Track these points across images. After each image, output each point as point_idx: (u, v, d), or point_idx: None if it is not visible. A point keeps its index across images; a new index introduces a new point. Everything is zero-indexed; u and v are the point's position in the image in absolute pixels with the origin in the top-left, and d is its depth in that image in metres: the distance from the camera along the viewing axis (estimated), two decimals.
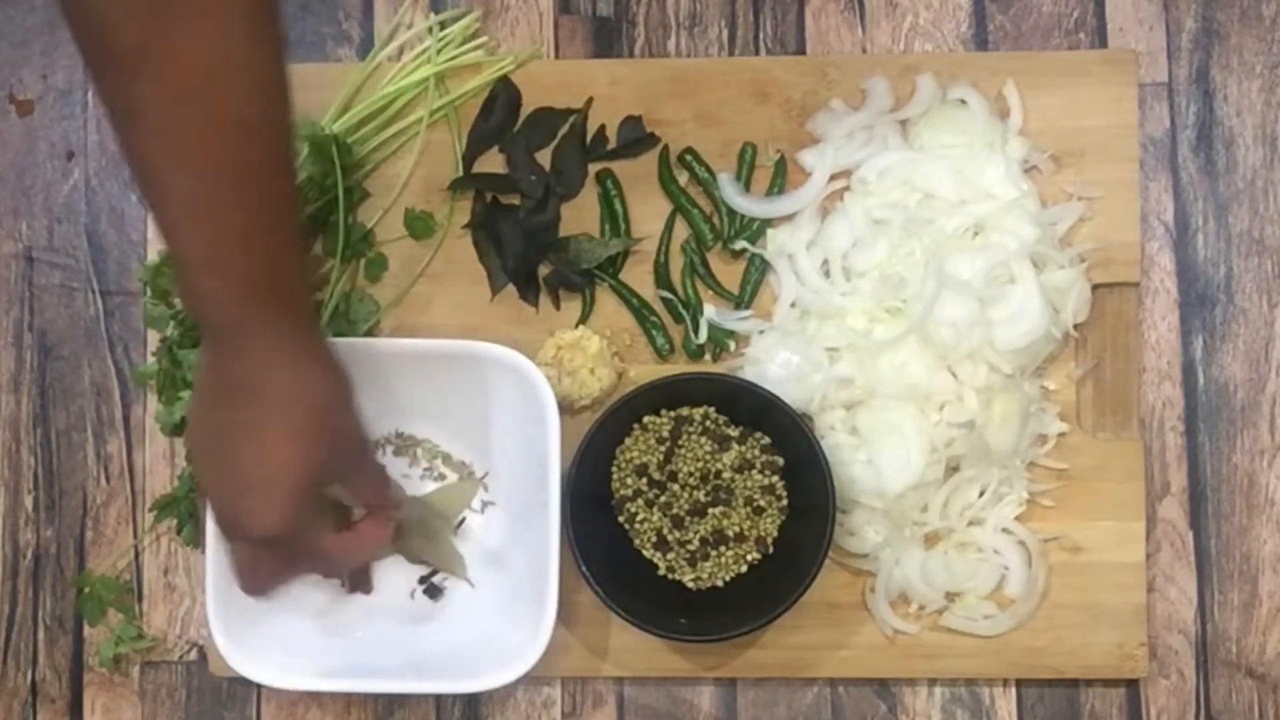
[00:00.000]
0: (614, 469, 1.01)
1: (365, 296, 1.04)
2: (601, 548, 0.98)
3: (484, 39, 1.06)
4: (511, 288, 1.05)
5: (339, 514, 0.91)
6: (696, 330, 1.03)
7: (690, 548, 1.00)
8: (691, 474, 1.00)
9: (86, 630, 1.06)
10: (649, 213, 1.05)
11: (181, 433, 1.04)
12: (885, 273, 1.01)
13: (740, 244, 1.04)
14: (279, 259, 0.76)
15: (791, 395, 0.99)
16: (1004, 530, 1.01)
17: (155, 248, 1.07)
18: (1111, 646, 1.01)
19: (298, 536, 0.82)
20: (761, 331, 1.02)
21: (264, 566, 0.87)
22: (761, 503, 1.00)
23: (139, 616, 1.05)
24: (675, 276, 1.04)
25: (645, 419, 1.00)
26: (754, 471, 1.00)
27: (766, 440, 1.00)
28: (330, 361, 0.81)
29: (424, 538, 1.02)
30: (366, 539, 0.90)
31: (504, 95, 1.05)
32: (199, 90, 0.70)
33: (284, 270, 0.77)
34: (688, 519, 1.00)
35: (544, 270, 1.05)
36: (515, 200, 1.05)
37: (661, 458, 1.00)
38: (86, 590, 1.05)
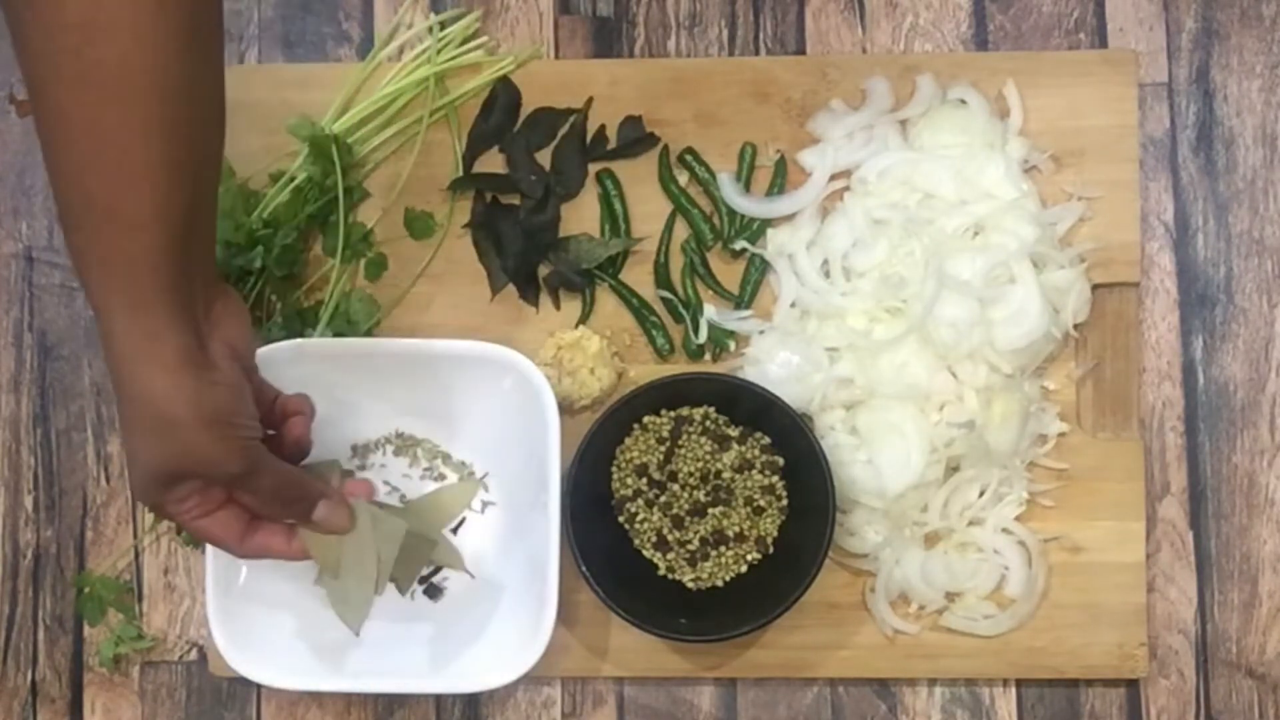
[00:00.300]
0: (614, 469, 1.01)
1: (365, 296, 1.04)
2: (601, 548, 0.98)
3: (484, 39, 1.06)
4: (511, 288, 1.05)
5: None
6: (696, 330, 1.03)
7: (690, 548, 1.00)
8: (691, 474, 1.00)
9: (86, 630, 1.06)
10: (649, 213, 1.05)
11: None
12: (885, 273, 1.01)
13: (740, 244, 1.04)
14: (132, 244, 0.72)
15: (791, 395, 0.99)
16: (1004, 530, 1.01)
17: None
18: (1111, 646, 1.01)
19: (164, 516, 0.82)
20: (761, 331, 1.02)
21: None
22: (761, 503, 1.00)
23: (139, 616, 1.05)
24: (675, 276, 1.04)
25: (645, 419, 1.00)
26: (754, 471, 1.00)
27: (766, 440, 1.00)
28: (183, 370, 0.75)
29: (404, 560, 0.99)
30: (263, 547, 0.85)
31: (504, 95, 1.05)
32: (75, 38, 0.67)
33: (135, 256, 0.72)
34: (688, 519, 1.00)
35: (544, 270, 1.05)
36: (515, 200, 1.05)
37: (661, 458, 1.00)
38: (86, 590, 1.05)
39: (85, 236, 0.72)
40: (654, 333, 1.04)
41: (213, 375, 0.77)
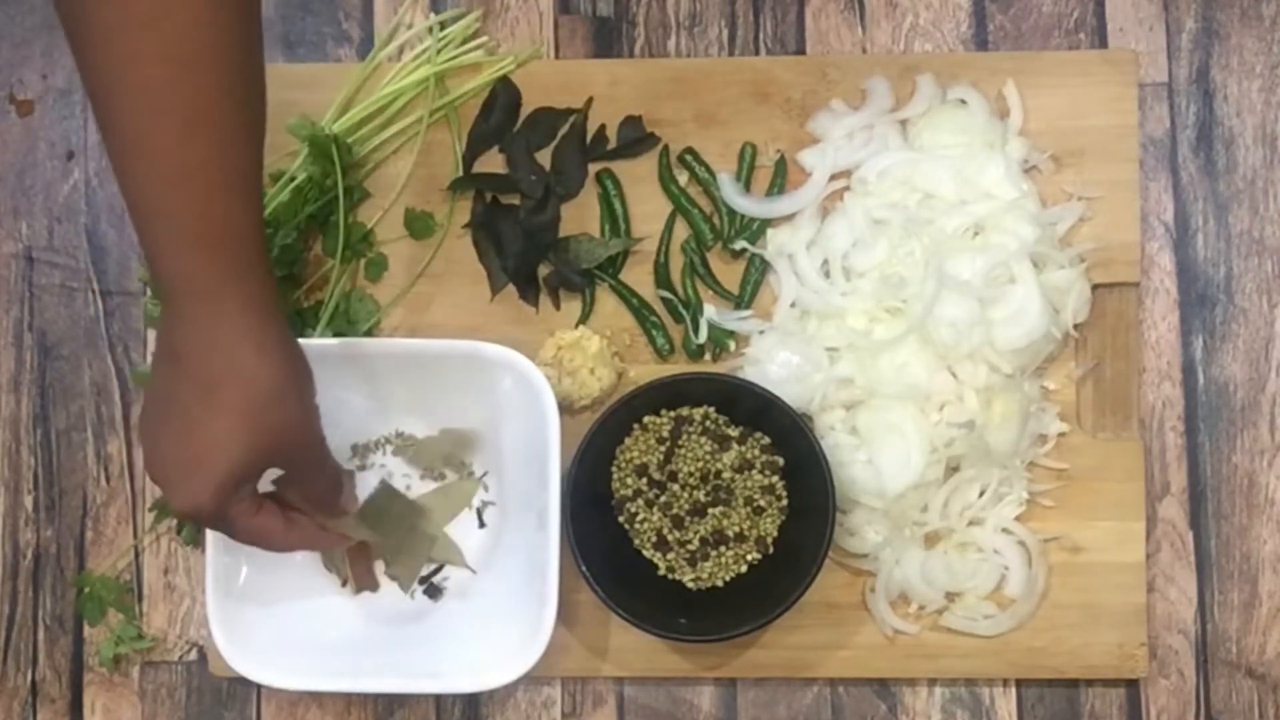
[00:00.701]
0: (614, 469, 1.01)
1: (365, 296, 1.04)
2: (601, 548, 0.98)
3: (484, 39, 1.06)
4: (511, 288, 1.05)
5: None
6: (696, 330, 1.03)
7: (690, 548, 1.00)
8: (691, 474, 1.00)
9: (86, 630, 1.06)
10: (649, 213, 1.05)
11: None
12: (885, 273, 1.01)
13: (740, 244, 1.04)
14: (231, 213, 0.70)
15: (791, 395, 0.99)
16: (1004, 530, 1.01)
17: None
18: (1111, 646, 1.01)
19: (222, 519, 0.78)
20: (761, 331, 1.02)
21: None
22: (761, 503, 1.00)
23: (139, 616, 1.05)
24: (675, 276, 1.04)
25: (645, 419, 1.00)
26: (754, 471, 1.00)
27: (766, 440, 1.00)
28: (285, 346, 0.75)
29: (408, 554, 1.02)
30: (303, 539, 0.85)
31: (504, 95, 1.05)
32: (154, 18, 0.65)
33: (236, 227, 0.71)
34: (688, 519, 1.00)
35: (544, 270, 1.05)
36: (515, 200, 1.05)
37: (661, 458, 1.00)
38: (86, 590, 1.05)
39: (171, 206, 0.69)
40: (654, 333, 1.04)
41: (298, 351, 0.76)
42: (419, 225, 1.05)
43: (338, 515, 0.88)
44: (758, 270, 1.04)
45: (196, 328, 0.72)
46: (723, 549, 1.00)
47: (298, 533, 0.84)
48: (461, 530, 1.03)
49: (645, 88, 1.05)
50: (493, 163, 1.06)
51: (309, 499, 0.84)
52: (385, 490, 1.01)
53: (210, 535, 0.96)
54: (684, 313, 1.04)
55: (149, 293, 1.04)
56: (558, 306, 1.05)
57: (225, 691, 1.05)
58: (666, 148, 1.05)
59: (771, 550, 1.00)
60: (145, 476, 1.06)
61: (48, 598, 1.06)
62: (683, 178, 1.05)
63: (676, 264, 1.05)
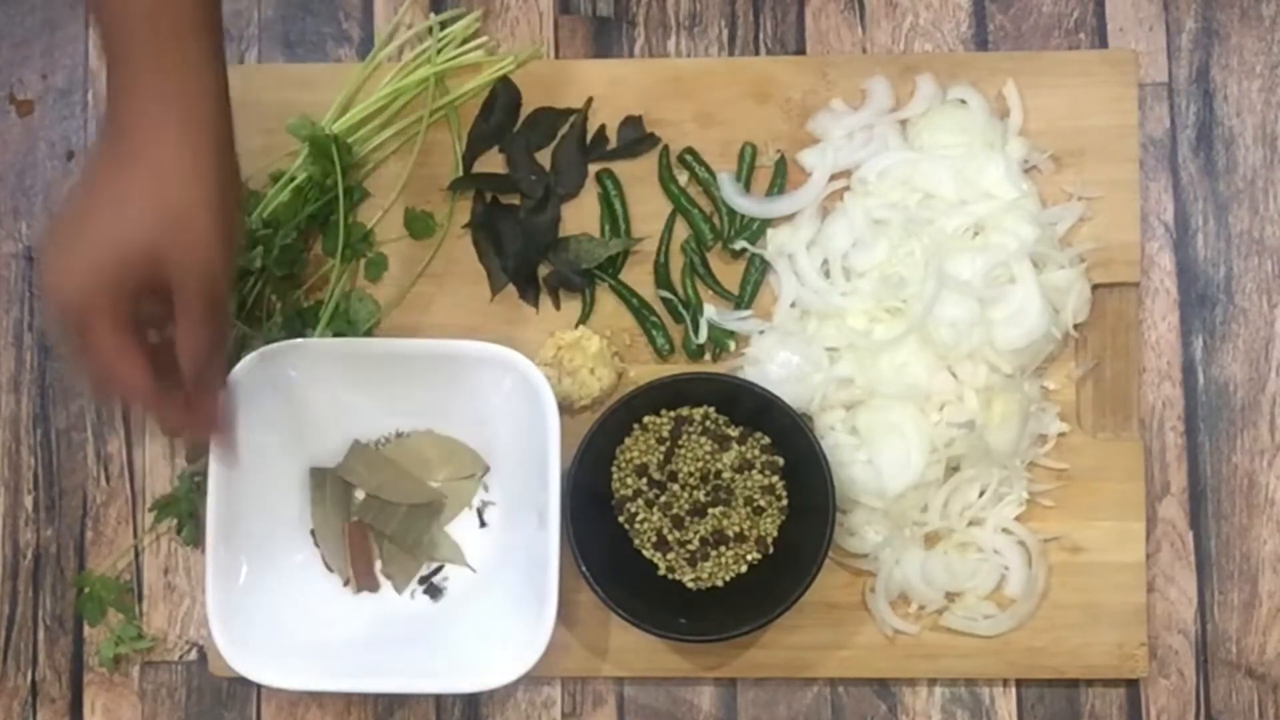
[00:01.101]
0: (614, 469, 1.01)
1: (365, 296, 1.04)
2: (601, 548, 0.98)
3: (484, 39, 1.06)
4: (511, 288, 1.05)
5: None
6: (696, 330, 1.03)
7: (690, 548, 1.00)
8: (691, 474, 1.00)
9: (86, 630, 1.06)
10: (649, 213, 1.05)
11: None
12: (885, 273, 1.01)
13: (740, 244, 1.04)
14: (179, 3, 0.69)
15: (791, 395, 0.99)
16: (1004, 530, 1.01)
17: None
18: (1111, 646, 1.01)
19: (84, 313, 0.71)
20: (761, 331, 1.02)
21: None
22: (761, 503, 1.00)
23: (139, 616, 1.05)
24: (675, 276, 1.04)
25: (645, 419, 1.00)
26: (754, 471, 1.00)
27: (766, 440, 1.00)
28: (213, 143, 0.70)
29: (405, 553, 1.02)
30: (150, 390, 0.75)
31: (504, 95, 1.05)
32: None
33: (183, 12, 0.70)
34: (688, 519, 1.00)
35: (544, 270, 1.05)
36: (515, 200, 1.05)
37: (661, 458, 1.00)
38: (86, 590, 1.05)
39: None
40: (654, 333, 1.04)
41: (235, 165, 0.72)
42: (419, 225, 1.05)
43: (200, 374, 0.77)
44: (758, 270, 1.04)
45: (129, 98, 0.69)
46: (723, 549, 1.00)
47: (147, 380, 0.74)
48: (461, 530, 1.03)
49: (645, 88, 1.05)
50: (493, 163, 1.06)
51: (183, 335, 0.74)
52: (356, 448, 1.02)
53: (210, 535, 0.97)
54: (684, 313, 1.04)
55: None
56: (558, 306, 1.05)
57: (225, 691, 1.05)
58: (666, 148, 1.05)
59: (771, 550, 1.00)
60: (145, 476, 1.06)
61: (48, 598, 1.06)
62: (683, 178, 1.05)
63: (676, 264, 1.05)
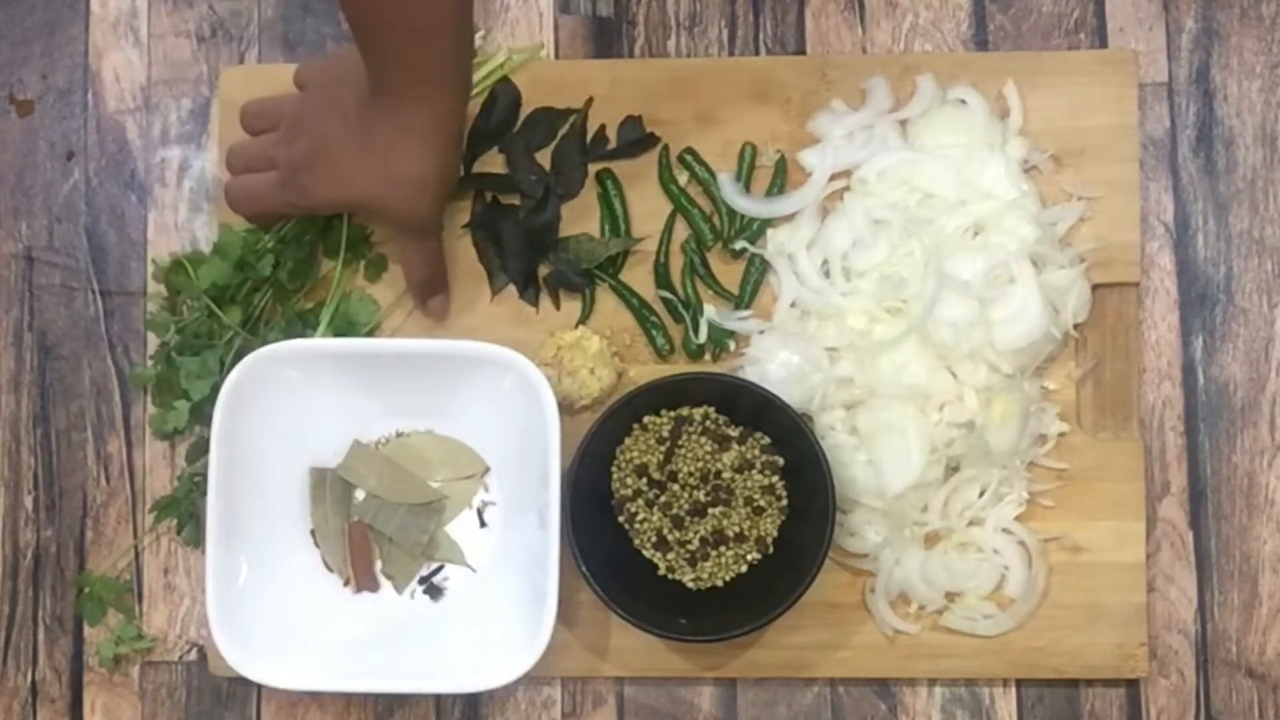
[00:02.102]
0: (614, 469, 1.01)
1: (365, 297, 1.04)
2: (601, 548, 0.98)
3: (481, 31, 1.06)
4: (511, 288, 1.05)
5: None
6: (696, 330, 1.03)
7: (690, 548, 1.00)
8: (691, 474, 1.00)
9: (86, 630, 1.06)
10: (649, 213, 1.05)
11: (171, 437, 1.05)
12: (885, 273, 1.01)
13: (740, 244, 1.04)
14: (431, 54, 0.91)
15: (791, 395, 0.99)
16: (1004, 530, 1.01)
17: (157, 248, 1.07)
18: (1111, 646, 1.01)
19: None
20: (761, 331, 1.02)
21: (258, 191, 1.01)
22: (761, 503, 1.00)
23: (139, 616, 1.05)
24: (675, 276, 1.04)
25: (645, 419, 1.00)
26: (754, 471, 1.00)
27: (766, 440, 1.00)
28: (444, 145, 0.96)
29: (405, 553, 1.02)
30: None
31: (504, 95, 1.05)
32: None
33: (434, 64, 0.92)
34: (688, 519, 1.00)
35: (544, 270, 1.05)
36: (515, 200, 1.05)
37: (661, 458, 1.00)
38: (86, 590, 1.05)
39: (396, 50, 0.91)
40: (654, 333, 1.04)
41: (457, 163, 1.00)
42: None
43: (420, 283, 1.03)
44: (758, 270, 1.04)
45: (398, 98, 0.93)
46: (723, 549, 1.00)
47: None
48: (462, 530, 1.03)
49: (645, 88, 1.05)
50: (493, 163, 1.06)
51: (402, 257, 1.03)
52: (356, 448, 1.02)
53: (210, 535, 0.97)
54: (684, 313, 1.04)
55: (160, 290, 1.04)
56: (558, 306, 1.05)
57: (225, 691, 1.05)
58: (666, 148, 1.05)
59: (771, 550, 1.00)
60: (145, 476, 1.06)
61: (48, 598, 1.06)
62: (683, 178, 1.05)
63: (676, 264, 1.05)
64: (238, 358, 0.98)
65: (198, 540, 1.04)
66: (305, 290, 1.04)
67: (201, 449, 1.02)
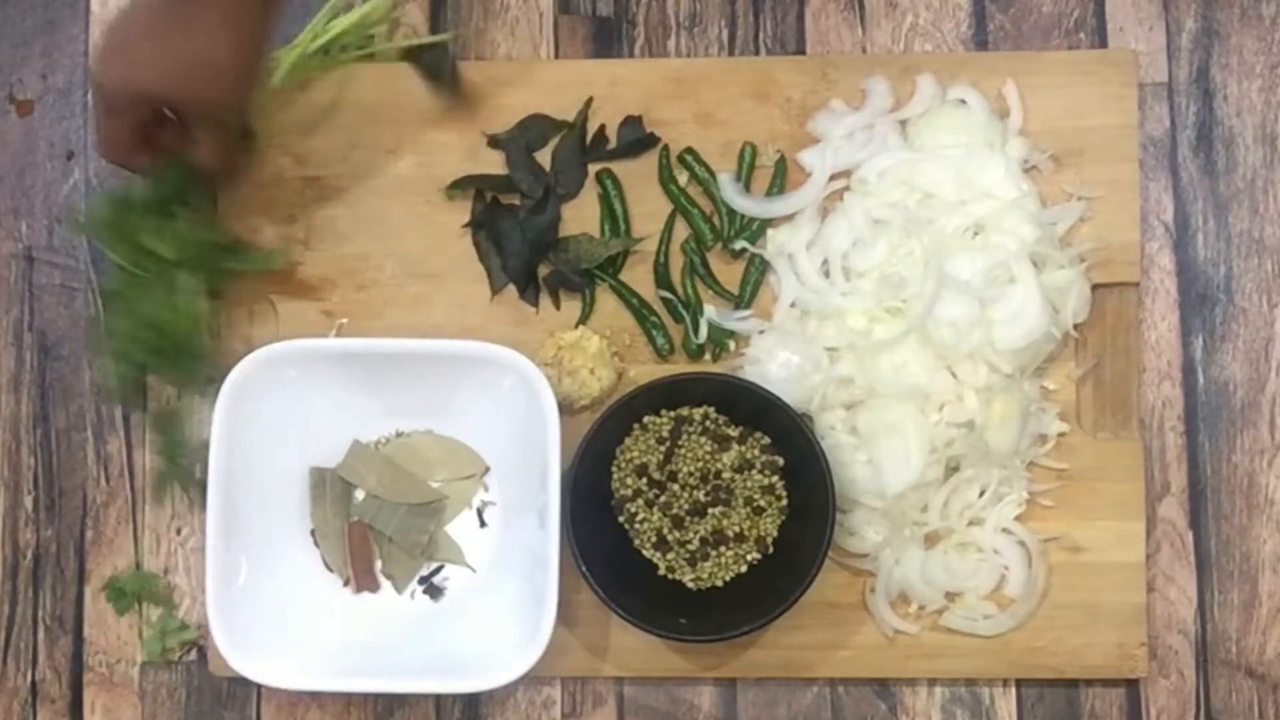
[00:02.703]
0: (614, 469, 1.01)
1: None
2: (601, 548, 0.98)
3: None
4: (511, 288, 1.05)
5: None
6: (696, 330, 1.03)
7: (690, 548, 1.00)
8: (691, 474, 1.00)
9: (92, 630, 1.05)
10: (649, 213, 1.05)
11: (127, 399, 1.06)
12: (885, 273, 1.01)
13: (740, 244, 1.04)
14: None
15: (791, 395, 0.99)
16: (1004, 530, 1.01)
17: None
18: (1111, 646, 1.01)
19: (110, 114, 0.94)
20: (761, 331, 1.02)
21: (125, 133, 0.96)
22: (761, 503, 1.00)
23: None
24: (675, 276, 1.04)
25: (645, 419, 1.00)
26: (754, 471, 1.00)
27: (766, 440, 1.00)
28: (250, 31, 0.92)
29: (405, 553, 1.02)
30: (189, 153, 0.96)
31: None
32: None
33: None
34: (688, 519, 1.00)
35: (544, 270, 1.05)
36: (515, 200, 1.05)
37: (661, 458, 1.00)
38: (115, 585, 1.04)
39: None
40: (654, 333, 1.04)
41: (261, 49, 0.94)
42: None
43: (214, 173, 0.98)
44: (758, 270, 1.04)
45: None
46: (723, 549, 1.00)
47: (145, 163, 0.97)
48: (461, 530, 1.03)
49: (645, 88, 1.05)
50: (493, 163, 1.06)
51: (197, 143, 0.96)
52: (356, 448, 1.02)
53: (210, 535, 0.97)
54: (684, 313, 1.04)
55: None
56: (558, 306, 1.05)
57: (225, 691, 1.05)
58: (666, 148, 1.05)
59: (771, 550, 1.00)
60: (145, 476, 1.06)
61: (48, 598, 1.06)
62: (683, 178, 1.05)
63: (676, 264, 1.05)
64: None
65: (204, 502, 1.02)
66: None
67: (169, 418, 1.02)
